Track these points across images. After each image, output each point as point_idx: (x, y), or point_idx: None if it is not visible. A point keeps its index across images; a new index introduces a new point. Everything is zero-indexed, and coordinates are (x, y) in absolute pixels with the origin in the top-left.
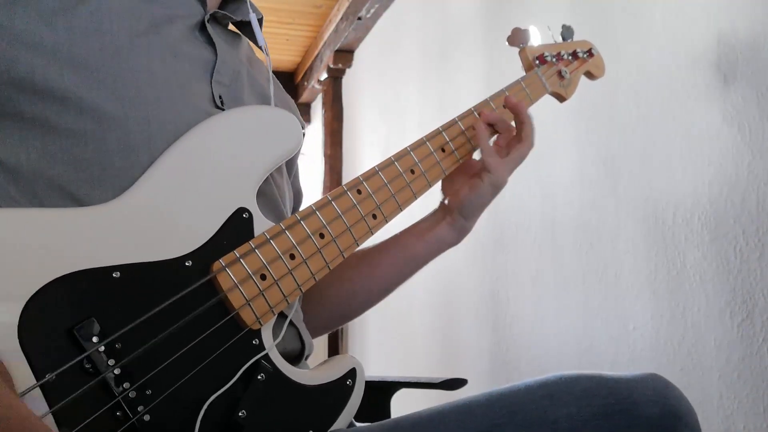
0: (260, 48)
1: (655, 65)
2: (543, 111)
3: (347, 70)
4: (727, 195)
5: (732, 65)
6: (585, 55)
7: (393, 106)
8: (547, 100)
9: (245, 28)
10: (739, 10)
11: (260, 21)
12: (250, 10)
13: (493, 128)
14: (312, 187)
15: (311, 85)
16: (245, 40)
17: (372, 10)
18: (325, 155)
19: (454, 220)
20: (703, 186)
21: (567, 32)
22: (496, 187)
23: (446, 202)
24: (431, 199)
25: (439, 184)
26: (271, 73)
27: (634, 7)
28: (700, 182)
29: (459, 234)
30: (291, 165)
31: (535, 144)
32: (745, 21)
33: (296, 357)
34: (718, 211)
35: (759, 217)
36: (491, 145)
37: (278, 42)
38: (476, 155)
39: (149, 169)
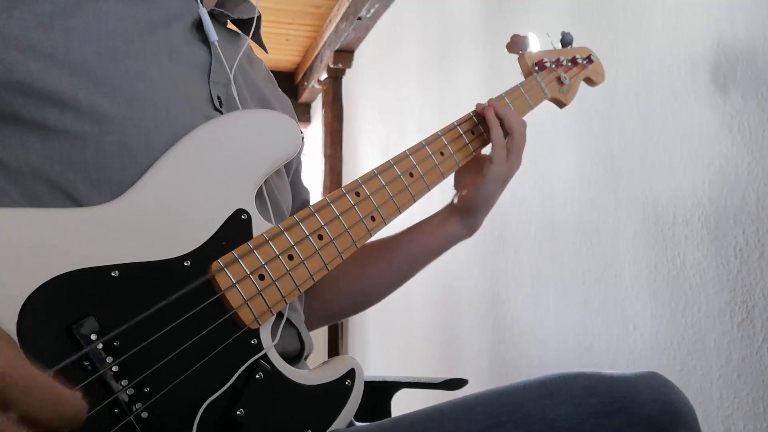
0: (261, 46)
1: (655, 65)
2: (543, 111)
3: (347, 70)
4: (727, 195)
5: (732, 65)
6: (584, 62)
7: (393, 106)
8: (547, 102)
9: (245, 25)
10: (739, 11)
11: (258, 19)
12: (255, 6)
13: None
14: (312, 187)
15: (311, 85)
16: (244, 38)
17: (372, 10)
18: (325, 155)
19: (461, 219)
20: (703, 186)
21: (566, 39)
22: (500, 183)
23: (455, 201)
24: (431, 201)
25: (441, 185)
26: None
27: (634, 8)
28: (700, 182)
29: (469, 229)
30: (289, 169)
31: (535, 144)
32: (745, 22)
33: (295, 357)
34: (718, 211)
35: (759, 217)
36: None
37: (278, 42)
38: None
39: (148, 170)
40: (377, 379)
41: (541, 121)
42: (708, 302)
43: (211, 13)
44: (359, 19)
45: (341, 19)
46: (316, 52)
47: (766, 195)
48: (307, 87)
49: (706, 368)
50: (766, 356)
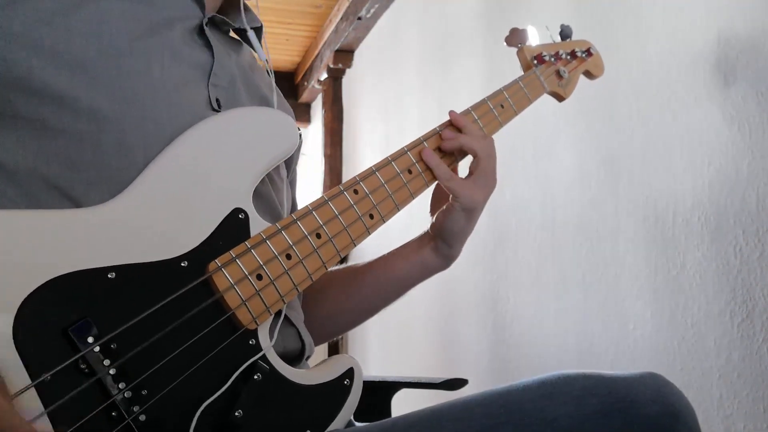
0: (264, 60)
1: (655, 65)
2: (544, 111)
3: (347, 70)
4: (727, 195)
5: (732, 65)
6: (584, 55)
7: (393, 106)
8: (548, 100)
9: (246, 36)
10: (739, 10)
11: (260, 29)
12: (245, 20)
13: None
14: (312, 187)
15: (311, 85)
16: (247, 47)
17: (372, 10)
18: (325, 155)
19: (437, 247)
20: (703, 186)
21: (565, 32)
22: (470, 211)
23: (430, 229)
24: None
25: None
26: (273, 83)
27: (634, 7)
28: (700, 182)
29: (445, 260)
30: (288, 168)
31: (536, 144)
32: (745, 21)
33: (296, 357)
34: (718, 211)
35: (759, 217)
36: (449, 169)
37: (278, 42)
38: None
39: (145, 169)
40: (377, 379)
41: (541, 121)
42: (708, 302)
43: (212, 20)
44: (359, 19)
45: (341, 19)
46: (316, 52)
47: (766, 195)
48: (307, 87)
49: (706, 368)
50: (766, 356)
